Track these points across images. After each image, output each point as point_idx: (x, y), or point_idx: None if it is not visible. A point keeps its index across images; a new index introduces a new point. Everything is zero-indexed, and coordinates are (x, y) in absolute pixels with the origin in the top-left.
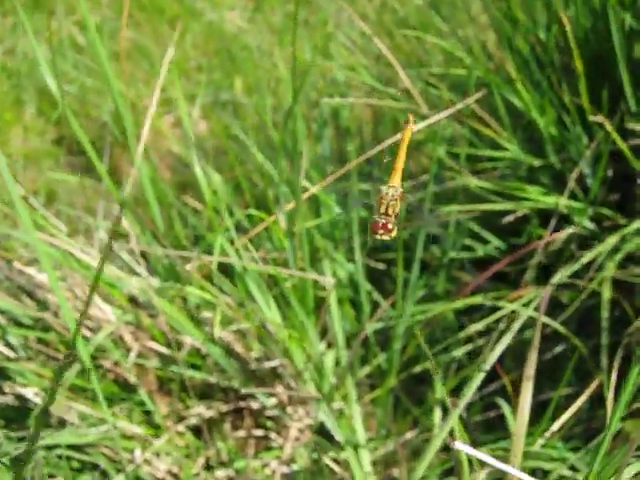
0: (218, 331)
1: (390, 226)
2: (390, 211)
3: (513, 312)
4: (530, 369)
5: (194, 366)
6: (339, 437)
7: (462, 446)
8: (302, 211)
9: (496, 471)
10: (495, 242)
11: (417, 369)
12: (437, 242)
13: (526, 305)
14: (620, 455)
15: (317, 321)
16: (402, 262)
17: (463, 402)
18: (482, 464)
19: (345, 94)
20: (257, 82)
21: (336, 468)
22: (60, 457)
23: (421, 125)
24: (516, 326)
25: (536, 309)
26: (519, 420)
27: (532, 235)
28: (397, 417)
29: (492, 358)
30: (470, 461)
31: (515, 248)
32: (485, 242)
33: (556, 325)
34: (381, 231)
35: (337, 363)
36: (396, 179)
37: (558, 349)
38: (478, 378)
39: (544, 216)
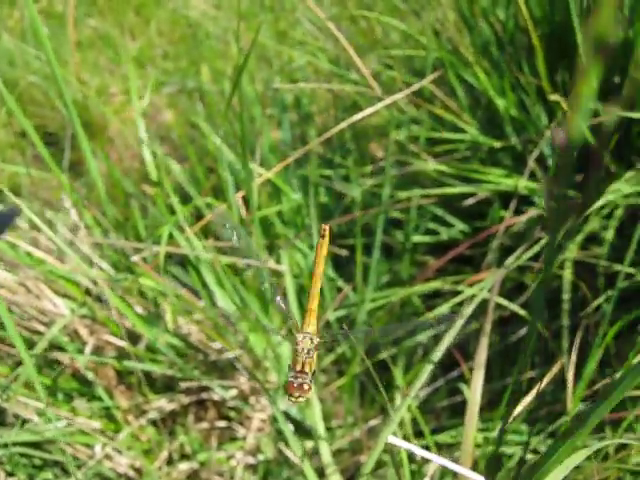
0: (171, 323)
1: (306, 387)
2: (306, 368)
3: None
4: (481, 356)
5: (153, 359)
6: (292, 429)
7: (396, 440)
8: (255, 198)
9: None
10: (459, 226)
11: (381, 356)
12: (400, 227)
13: (487, 289)
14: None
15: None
16: (362, 247)
17: (414, 391)
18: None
19: (306, 80)
20: (223, 69)
21: (297, 460)
22: (20, 454)
23: (377, 107)
24: (469, 310)
25: (489, 291)
26: (469, 409)
27: (495, 218)
28: (364, 403)
29: (444, 343)
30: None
31: (479, 231)
32: (449, 226)
33: (513, 307)
34: (297, 393)
35: None
36: (311, 323)
37: (522, 332)
38: (428, 367)
39: (506, 198)
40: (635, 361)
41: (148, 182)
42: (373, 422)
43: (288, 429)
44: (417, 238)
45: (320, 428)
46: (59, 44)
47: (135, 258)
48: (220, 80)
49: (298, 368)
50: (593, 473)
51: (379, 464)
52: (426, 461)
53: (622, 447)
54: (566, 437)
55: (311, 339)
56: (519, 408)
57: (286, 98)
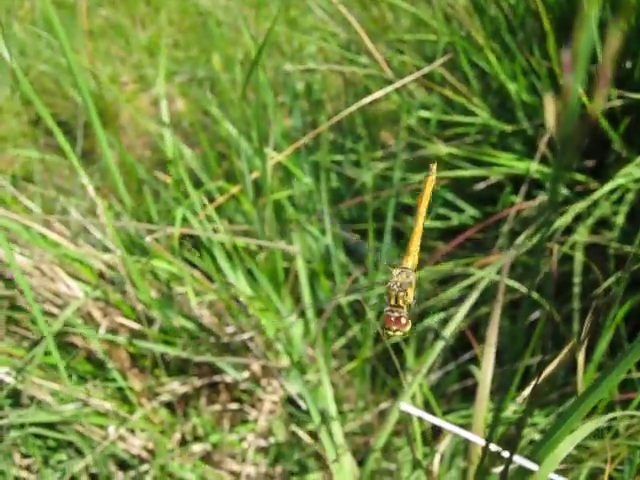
0: (193, 302)
1: (403, 320)
2: (400, 302)
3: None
4: (491, 335)
5: (167, 342)
6: (308, 407)
7: (408, 407)
8: (268, 180)
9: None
10: (470, 211)
11: (393, 340)
12: (411, 212)
13: (496, 270)
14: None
15: (289, 293)
16: (373, 231)
17: (426, 367)
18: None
19: (316, 66)
20: (234, 57)
21: (309, 440)
22: (34, 436)
23: (388, 89)
24: (478, 291)
25: (499, 273)
26: (481, 387)
27: (506, 203)
28: (375, 388)
29: (454, 324)
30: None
31: (490, 216)
32: (460, 211)
33: (522, 288)
34: (394, 327)
35: (309, 334)
36: (409, 261)
37: (534, 317)
38: (439, 344)
39: (517, 183)
40: None
41: (160, 170)
42: (384, 405)
43: (303, 402)
44: (428, 223)
45: (332, 409)
46: (70, 34)
47: (148, 239)
48: (231, 68)
49: (392, 302)
50: (605, 449)
51: (390, 444)
52: (438, 438)
53: (631, 426)
54: (575, 407)
55: (407, 274)
56: (529, 389)
57: (297, 85)
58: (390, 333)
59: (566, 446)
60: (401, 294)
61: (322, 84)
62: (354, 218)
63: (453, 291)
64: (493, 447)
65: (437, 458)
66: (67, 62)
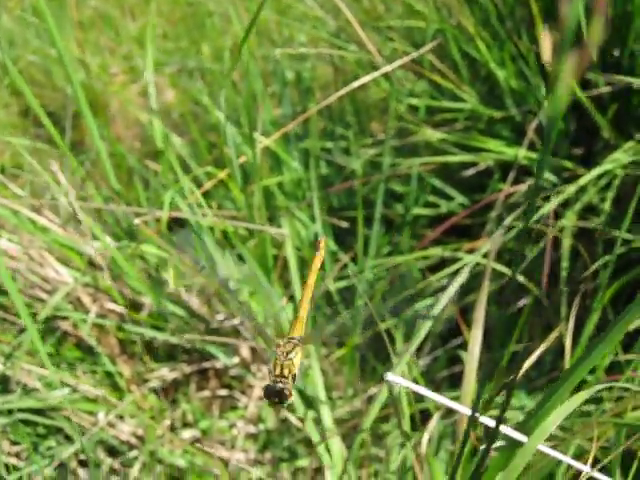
0: (172, 284)
1: (286, 392)
2: (285, 372)
3: (477, 263)
4: (479, 314)
5: (156, 328)
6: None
7: (393, 377)
8: (258, 163)
9: (449, 416)
10: (459, 198)
11: (382, 326)
12: (400, 200)
13: (484, 257)
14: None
15: (278, 279)
16: (363, 218)
17: (413, 346)
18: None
19: (306, 55)
20: (224, 48)
21: (299, 425)
22: (23, 423)
23: (378, 73)
24: (465, 273)
25: (486, 256)
26: (468, 364)
27: (495, 189)
28: (365, 375)
29: (442, 304)
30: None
31: (478, 203)
32: (449, 199)
33: (505, 270)
34: (276, 399)
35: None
36: (297, 329)
37: (522, 303)
38: (427, 325)
39: (505, 170)
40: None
41: (149, 159)
42: (373, 390)
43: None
44: (417, 210)
45: (321, 394)
46: (60, 25)
47: (137, 221)
48: (221, 59)
49: (277, 372)
50: (591, 428)
51: (378, 429)
52: (426, 422)
53: (618, 404)
54: (565, 378)
55: (294, 344)
56: (517, 373)
57: (287, 74)
58: (271, 405)
59: (556, 418)
60: (286, 363)
61: (312, 73)
62: (343, 206)
63: (441, 275)
64: (480, 418)
65: (425, 438)
66: (57, 52)
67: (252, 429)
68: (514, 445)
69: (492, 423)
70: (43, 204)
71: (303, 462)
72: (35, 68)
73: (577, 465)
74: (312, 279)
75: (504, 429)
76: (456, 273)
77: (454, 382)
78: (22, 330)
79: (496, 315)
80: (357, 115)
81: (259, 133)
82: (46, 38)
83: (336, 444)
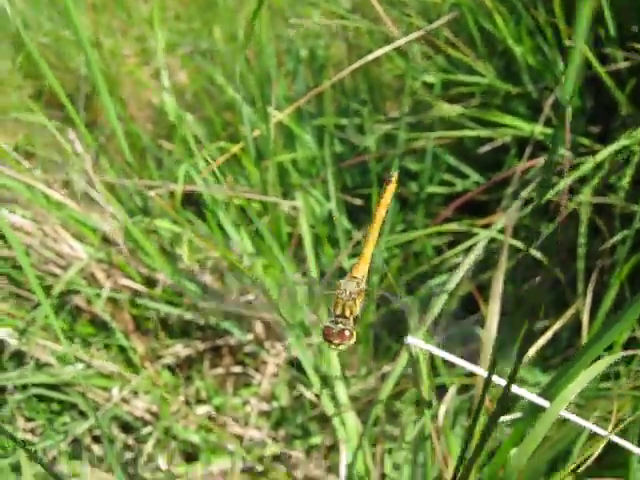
0: (186, 259)
1: (347, 333)
2: (347, 312)
3: (493, 240)
4: (496, 286)
5: (170, 303)
6: (309, 368)
7: (414, 340)
8: (271, 137)
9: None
10: (474, 177)
11: (397, 305)
12: (415, 178)
13: (500, 232)
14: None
15: (292, 257)
16: (377, 194)
17: (429, 319)
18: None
19: (320, 33)
20: (236, 29)
21: (314, 399)
22: (38, 399)
23: (392, 46)
24: (479, 247)
25: (501, 232)
26: (486, 338)
27: (511, 166)
28: (378, 354)
29: (455, 279)
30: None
31: (497, 185)
32: (464, 177)
33: (521, 246)
34: (337, 340)
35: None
36: (360, 269)
37: (539, 282)
38: (443, 298)
39: (522, 147)
40: None
41: (163, 141)
42: (387, 368)
43: (306, 360)
44: (432, 189)
45: (335, 368)
46: (73, 6)
47: (152, 193)
48: (233, 40)
49: (339, 311)
50: (610, 399)
51: (393, 406)
52: (441, 396)
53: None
54: (589, 345)
55: (357, 283)
56: (533, 349)
57: (301, 52)
58: (332, 347)
59: (578, 384)
60: (349, 304)
61: (326, 52)
62: (357, 184)
63: (456, 251)
64: (495, 379)
65: (442, 409)
66: (72, 31)
67: (265, 406)
68: (533, 415)
69: (513, 388)
70: (57, 179)
71: (316, 439)
72: (48, 50)
73: (598, 430)
74: (382, 212)
75: (525, 393)
76: (471, 249)
77: (469, 359)
78: (36, 306)
79: (512, 292)
80: (371, 93)
81: (273, 107)
82: (58, 20)
83: (351, 419)
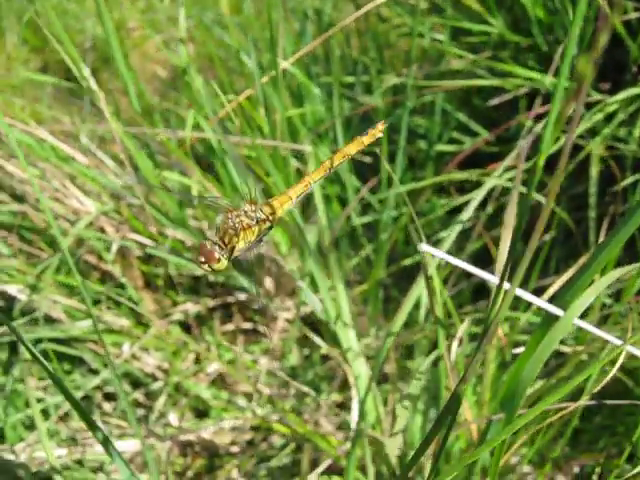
0: (196, 196)
1: (216, 255)
2: (226, 239)
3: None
4: (510, 213)
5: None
6: (321, 312)
7: (426, 247)
8: (280, 82)
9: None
10: (483, 134)
11: (406, 262)
12: (423, 137)
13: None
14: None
15: (302, 212)
16: (387, 147)
17: (439, 253)
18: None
19: None
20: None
21: (323, 345)
22: (48, 357)
23: None
24: (491, 183)
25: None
26: (502, 242)
27: (522, 125)
28: (388, 315)
29: (466, 215)
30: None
31: (503, 141)
32: (473, 135)
33: (536, 196)
34: (203, 258)
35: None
36: (271, 206)
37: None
38: (454, 231)
39: (531, 102)
40: None
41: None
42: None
43: (315, 301)
44: (441, 147)
45: (345, 312)
46: None
47: (161, 136)
48: (240, 11)
49: (220, 234)
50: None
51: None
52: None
53: None
54: (599, 252)
55: (254, 219)
56: (545, 298)
57: (308, 11)
58: (199, 265)
59: (590, 293)
60: (230, 232)
61: (334, 6)
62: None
63: (465, 199)
64: (507, 285)
65: (455, 345)
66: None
67: (276, 365)
68: (548, 324)
69: (523, 293)
70: (66, 132)
71: (325, 396)
72: (52, 26)
73: (613, 340)
74: (347, 150)
75: (539, 301)
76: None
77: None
78: (48, 266)
79: (523, 250)
80: (379, 52)
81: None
82: None
83: (361, 364)
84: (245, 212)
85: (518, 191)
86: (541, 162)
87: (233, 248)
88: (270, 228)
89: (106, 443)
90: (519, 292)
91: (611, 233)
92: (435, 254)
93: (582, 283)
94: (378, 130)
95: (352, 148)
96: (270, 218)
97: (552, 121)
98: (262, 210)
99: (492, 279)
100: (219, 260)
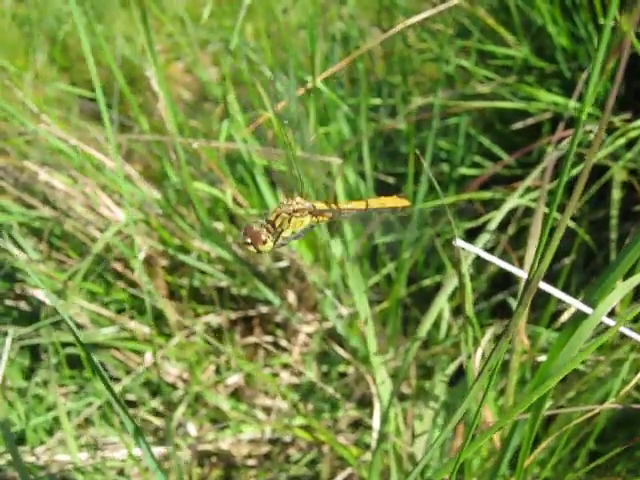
0: (230, 204)
1: (263, 237)
2: (277, 223)
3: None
4: (536, 226)
5: (204, 274)
6: (342, 326)
7: (461, 243)
8: (309, 104)
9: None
10: (505, 159)
11: (426, 282)
12: (446, 160)
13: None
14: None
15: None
16: (413, 169)
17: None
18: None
19: (356, 15)
20: (267, 27)
21: (345, 355)
22: (70, 365)
23: (431, 12)
24: (510, 203)
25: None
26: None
27: (544, 150)
28: (407, 335)
29: (487, 234)
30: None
31: (527, 165)
32: (496, 159)
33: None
34: (248, 239)
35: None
36: (322, 202)
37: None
38: (482, 240)
39: (554, 125)
40: None
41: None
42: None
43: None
44: (463, 170)
45: (369, 326)
46: (106, 2)
47: (195, 145)
48: (264, 38)
49: (270, 217)
50: None
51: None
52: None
53: None
54: (628, 250)
55: (307, 208)
56: (565, 316)
57: (336, 34)
58: (243, 245)
59: (619, 291)
60: (283, 216)
61: (360, 34)
62: (388, 170)
63: (487, 217)
64: (539, 284)
65: (479, 352)
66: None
67: (295, 379)
68: (576, 323)
69: (550, 288)
70: (94, 143)
71: (343, 413)
72: (79, 43)
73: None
74: (373, 202)
75: (567, 297)
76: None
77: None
78: (75, 272)
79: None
80: (404, 76)
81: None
82: (91, 15)
83: (383, 375)
84: (299, 202)
85: (543, 208)
86: (563, 181)
87: (281, 232)
88: (315, 225)
89: (138, 438)
90: (546, 287)
91: (636, 234)
92: (470, 249)
93: (609, 283)
94: (403, 199)
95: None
96: (321, 213)
97: (576, 142)
98: (315, 206)
99: (519, 273)
100: (265, 242)
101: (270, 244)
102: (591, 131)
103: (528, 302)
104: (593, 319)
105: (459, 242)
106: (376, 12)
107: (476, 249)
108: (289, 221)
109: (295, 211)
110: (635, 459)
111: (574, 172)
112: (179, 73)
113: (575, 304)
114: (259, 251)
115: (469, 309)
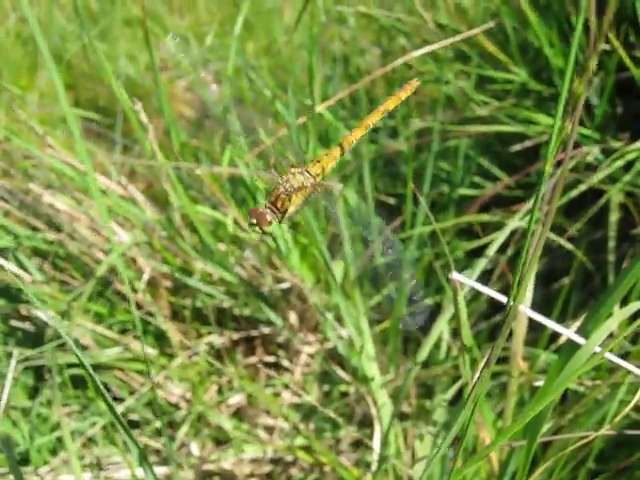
0: (230, 228)
1: (268, 217)
2: (279, 204)
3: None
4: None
5: (206, 295)
6: (343, 347)
7: (458, 276)
8: (312, 125)
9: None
10: (505, 179)
11: (427, 302)
12: (446, 181)
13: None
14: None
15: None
16: (411, 192)
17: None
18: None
19: (356, 35)
20: (269, 45)
21: (347, 377)
22: (73, 385)
23: (431, 48)
24: (511, 226)
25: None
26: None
27: (542, 170)
28: (407, 355)
29: (487, 256)
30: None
31: (525, 186)
32: (495, 180)
33: (551, 235)
34: (254, 220)
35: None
36: (318, 165)
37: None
38: (479, 265)
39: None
40: None
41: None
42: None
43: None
44: (463, 191)
45: (370, 347)
46: (110, 21)
47: (198, 171)
48: (266, 55)
49: (272, 198)
50: None
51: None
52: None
53: None
54: (621, 280)
55: (305, 179)
56: (563, 339)
57: (337, 53)
58: (250, 226)
59: (612, 322)
60: (283, 197)
61: (360, 54)
62: (389, 191)
63: (485, 240)
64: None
65: (478, 375)
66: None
67: (297, 399)
68: (573, 348)
69: (541, 318)
70: (98, 165)
71: (343, 432)
72: (86, 63)
73: (635, 370)
74: (388, 104)
75: (560, 329)
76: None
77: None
78: (80, 294)
79: (541, 293)
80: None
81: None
82: (96, 34)
83: (383, 397)
84: (294, 175)
85: (540, 231)
86: (555, 204)
87: (285, 212)
88: (317, 186)
89: (141, 459)
90: (537, 316)
91: (632, 261)
92: (465, 282)
93: (603, 313)
94: (412, 86)
95: (390, 104)
96: (318, 176)
97: (567, 166)
98: (309, 172)
99: (523, 309)
100: (270, 223)
101: (272, 223)
102: (588, 153)
103: (506, 333)
104: (587, 349)
105: (455, 275)
106: (376, 32)
107: (471, 282)
108: (289, 200)
109: (294, 189)
110: (635, 478)
111: (574, 194)
112: (181, 91)
113: (567, 334)
114: (264, 232)
115: (466, 336)
